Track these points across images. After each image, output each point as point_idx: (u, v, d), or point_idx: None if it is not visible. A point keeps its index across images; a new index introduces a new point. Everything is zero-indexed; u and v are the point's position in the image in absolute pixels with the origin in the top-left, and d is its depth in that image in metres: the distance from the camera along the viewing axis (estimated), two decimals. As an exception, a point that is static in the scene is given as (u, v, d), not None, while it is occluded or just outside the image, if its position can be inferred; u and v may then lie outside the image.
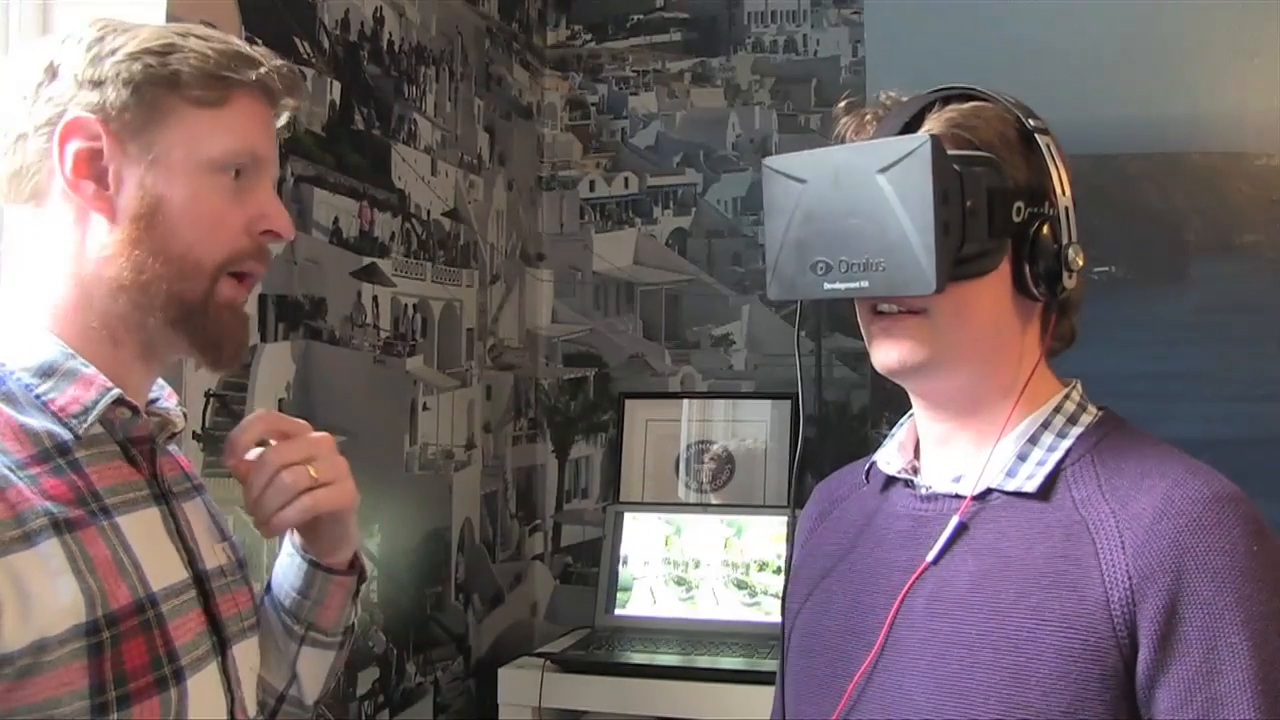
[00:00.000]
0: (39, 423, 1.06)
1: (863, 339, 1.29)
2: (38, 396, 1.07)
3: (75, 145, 1.09)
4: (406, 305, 2.53)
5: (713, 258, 3.12)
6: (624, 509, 2.88)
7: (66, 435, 1.06)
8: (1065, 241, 1.21)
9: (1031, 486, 1.22)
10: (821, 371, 2.95)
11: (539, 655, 2.59)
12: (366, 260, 2.38)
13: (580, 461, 3.19)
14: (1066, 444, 1.24)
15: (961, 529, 1.23)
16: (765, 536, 2.73)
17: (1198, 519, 1.12)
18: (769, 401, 2.96)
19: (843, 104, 1.32)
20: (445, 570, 2.69)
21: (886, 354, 1.24)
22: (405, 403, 2.53)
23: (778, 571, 2.66)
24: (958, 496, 1.26)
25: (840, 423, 2.93)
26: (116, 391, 1.09)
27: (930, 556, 1.23)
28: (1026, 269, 1.21)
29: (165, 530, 1.15)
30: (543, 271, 3.23)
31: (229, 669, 1.18)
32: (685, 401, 3.05)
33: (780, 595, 1.43)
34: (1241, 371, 2.65)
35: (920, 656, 1.20)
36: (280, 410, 2.00)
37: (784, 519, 2.67)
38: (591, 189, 3.22)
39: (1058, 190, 1.22)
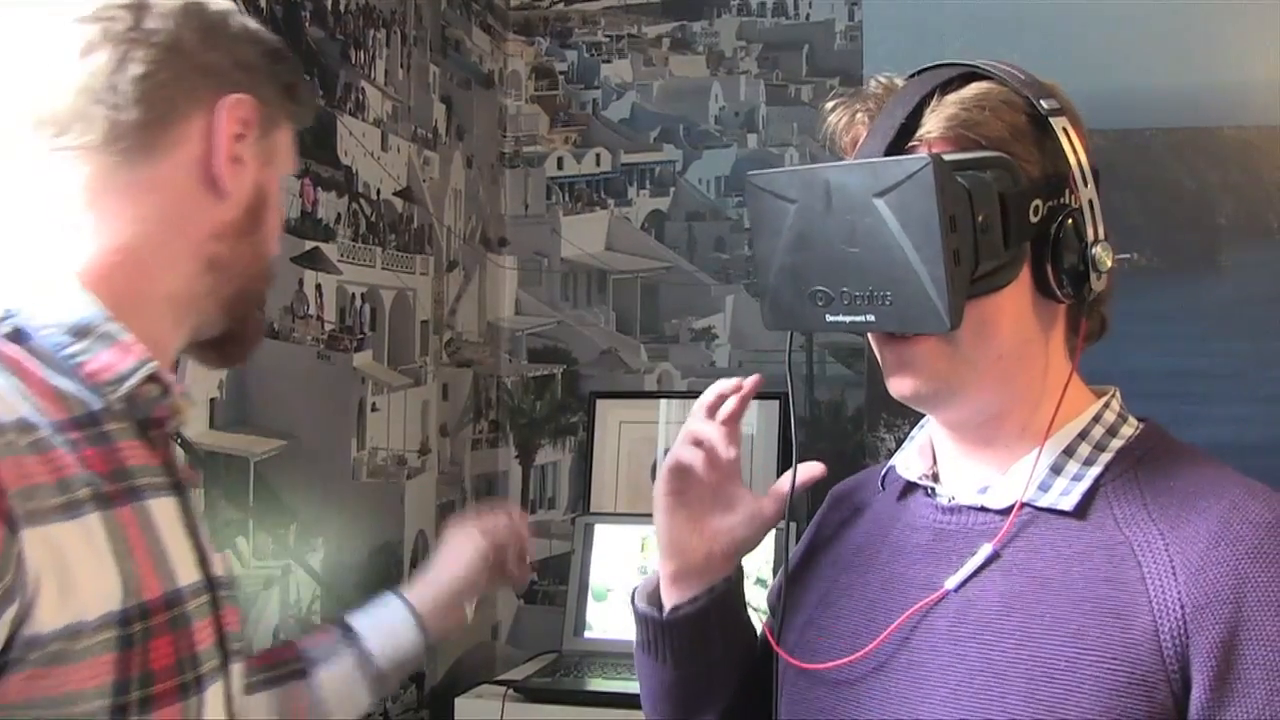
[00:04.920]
0: (69, 385, 1.07)
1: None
2: (67, 357, 1.08)
3: (234, 125, 1.18)
4: (353, 294, 2.51)
5: (693, 243, 3.11)
6: (595, 520, 2.88)
7: (97, 404, 1.08)
8: (1091, 239, 1.20)
9: (1068, 504, 1.21)
10: (813, 368, 2.95)
11: (500, 683, 2.58)
12: (309, 244, 2.37)
13: (547, 468, 3.18)
14: (1106, 458, 1.23)
15: (987, 547, 1.23)
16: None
17: (1259, 546, 1.11)
18: (755, 401, 2.88)
19: (830, 103, 1.29)
20: (396, 588, 2.64)
21: (901, 383, 1.23)
22: (352, 403, 2.52)
23: (765, 585, 2.66)
24: (984, 509, 1.25)
25: (834, 425, 2.94)
26: (155, 364, 1.11)
27: (952, 585, 1.22)
28: (1049, 271, 1.19)
29: (182, 524, 1.16)
30: (505, 258, 3.22)
31: (229, 689, 1.19)
32: (663, 402, 3.04)
33: (767, 607, 1.42)
34: (1278, 369, 2.66)
35: (942, 683, 1.18)
36: (212, 413, 2.06)
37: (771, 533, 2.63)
38: (559, 166, 3.21)
39: (1079, 180, 1.20)
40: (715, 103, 3.11)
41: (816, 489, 1.38)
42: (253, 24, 1.24)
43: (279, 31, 2.24)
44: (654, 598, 1.38)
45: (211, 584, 1.18)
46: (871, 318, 1.16)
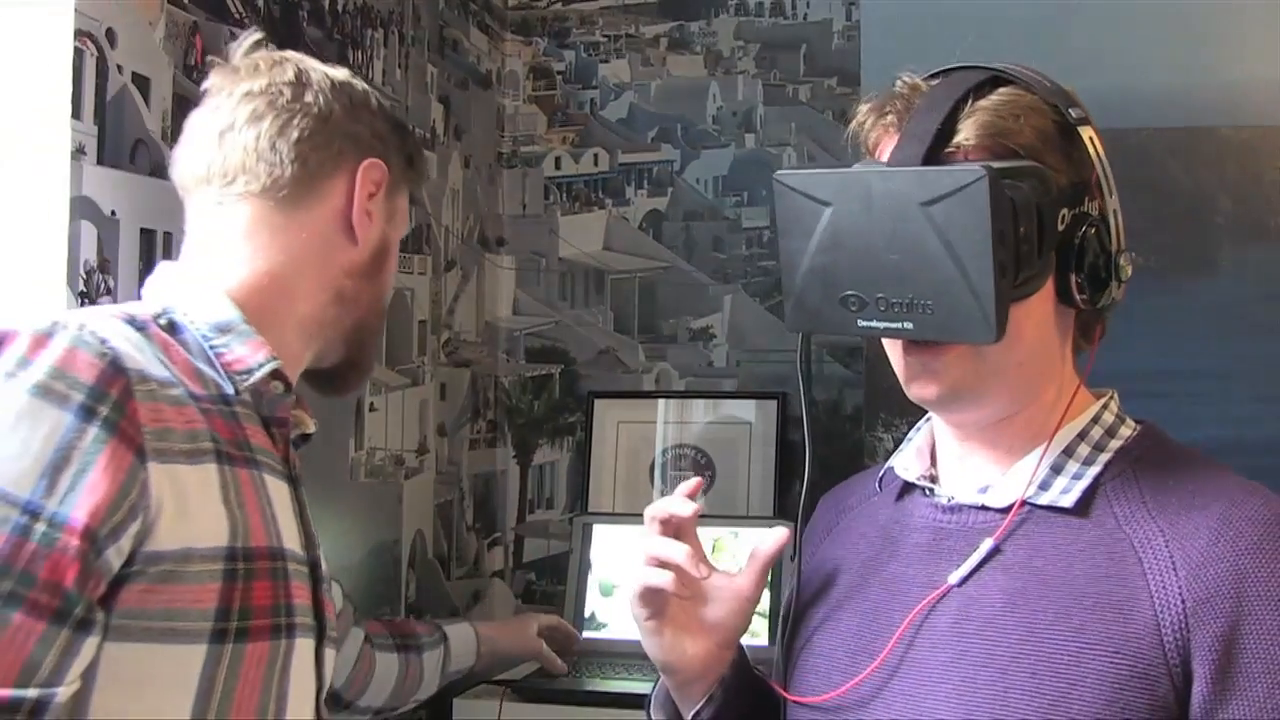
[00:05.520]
0: (208, 370, 1.28)
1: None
2: (211, 348, 1.29)
3: (369, 185, 1.43)
4: (351, 294, 2.51)
5: (691, 243, 3.09)
6: (593, 520, 2.86)
7: (230, 390, 1.29)
8: (1115, 249, 1.22)
9: (1068, 501, 1.23)
10: (810, 368, 2.90)
11: (498, 683, 2.55)
12: (306, 244, 2.38)
13: (545, 468, 3.17)
14: (1105, 457, 1.25)
15: (988, 541, 1.24)
16: (755, 546, 2.69)
17: (1259, 542, 1.14)
18: (753, 401, 2.95)
19: (865, 104, 1.30)
20: (394, 588, 2.68)
21: (925, 388, 1.24)
22: (350, 403, 2.51)
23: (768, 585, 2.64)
24: (984, 508, 1.27)
25: (831, 425, 2.91)
26: (279, 361, 1.32)
27: (955, 579, 1.24)
28: (1072, 278, 1.21)
29: (293, 509, 1.35)
30: (503, 258, 3.21)
31: (320, 659, 1.37)
32: (661, 401, 3.03)
33: (767, 614, 1.42)
34: (1277, 368, 2.64)
35: (945, 680, 1.20)
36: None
37: (768, 531, 2.62)
38: (557, 166, 3.20)
39: (1104, 190, 1.22)
40: (713, 102, 3.10)
41: (809, 498, 1.40)
42: (385, 101, 1.50)
43: (276, 31, 2.26)
44: (669, 706, 1.38)
45: (315, 567, 1.36)
46: (909, 325, 1.17)
